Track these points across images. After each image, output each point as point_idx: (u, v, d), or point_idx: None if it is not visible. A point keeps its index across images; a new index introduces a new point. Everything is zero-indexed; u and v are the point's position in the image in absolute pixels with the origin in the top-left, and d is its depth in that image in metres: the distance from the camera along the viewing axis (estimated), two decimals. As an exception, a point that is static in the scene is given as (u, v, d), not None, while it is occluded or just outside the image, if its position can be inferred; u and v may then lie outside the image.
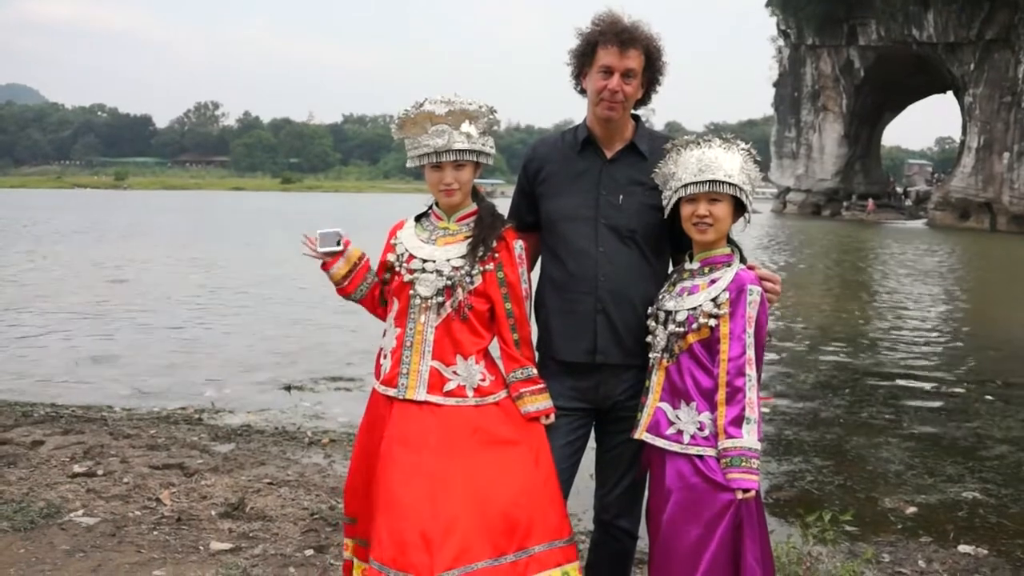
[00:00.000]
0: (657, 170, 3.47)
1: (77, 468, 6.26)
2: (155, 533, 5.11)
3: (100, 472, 6.20)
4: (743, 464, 3.19)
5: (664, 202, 3.45)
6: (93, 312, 14.86)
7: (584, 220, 3.53)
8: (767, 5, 74.65)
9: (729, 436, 3.21)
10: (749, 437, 3.21)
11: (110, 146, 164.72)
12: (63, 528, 5.10)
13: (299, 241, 3.61)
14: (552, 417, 3.47)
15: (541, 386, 3.48)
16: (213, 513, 5.48)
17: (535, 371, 3.50)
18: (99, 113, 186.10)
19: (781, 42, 77.03)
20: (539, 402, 3.46)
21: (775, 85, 78.42)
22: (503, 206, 3.65)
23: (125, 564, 4.66)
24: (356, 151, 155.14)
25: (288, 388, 9.64)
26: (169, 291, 17.67)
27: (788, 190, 72.57)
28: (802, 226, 52.57)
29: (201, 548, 4.93)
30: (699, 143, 3.42)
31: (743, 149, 3.42)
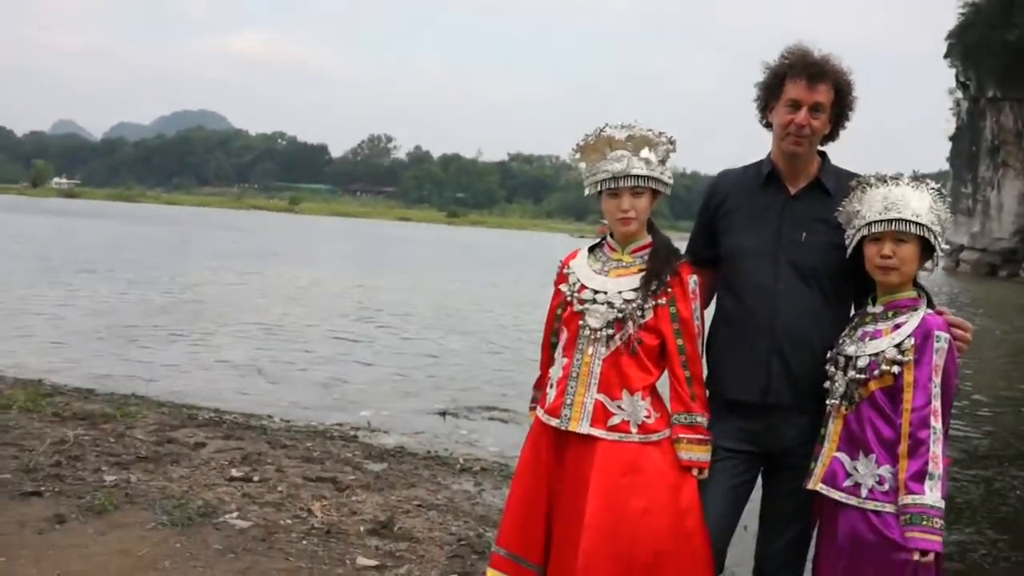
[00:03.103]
0: (842, 208, 3.31)
1: (235, 472, 6.37)
2: (304, 543, 5.13)
3: (256, 478, 6.29)
4: (924, 523, 2.97)
5: (847, 241, 3.28)
6: (268, 328, 15.39)
7: (765, 256, 3.40)
8: (946, 56, 72.65)
9: (910, 492, 3.00)
10: (932, 494, 2.99)
11: (287, 171, 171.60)
12: (217, 528, 5.17)
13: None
14: (706, 473, 3.32)
15: (703, 437, 3.33)
16: (361, 529, 5.47)
17: (701, 419, 3.34)
18: (279, 140, 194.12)
19: (959, 94, 74.95)
20: (695, 452, 3.31)
21: (951, 139, 76.34)
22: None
23: (273, 570, 4.69)
24: (521, 189, 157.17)
25: (443, 414, 9.67)
26: (338, 313, 18.13)
27: (962, 248, 70.01)
28: (977, 286, 50.63)
29: (347, 562, 4.92)
30: (886, 181, 3.25)
31: (932, 188, 3.23)
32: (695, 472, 3.30)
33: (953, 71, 74.10)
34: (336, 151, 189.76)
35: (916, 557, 2.96)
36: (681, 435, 3.31)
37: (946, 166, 79.60)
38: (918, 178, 3.27)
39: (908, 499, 3.00)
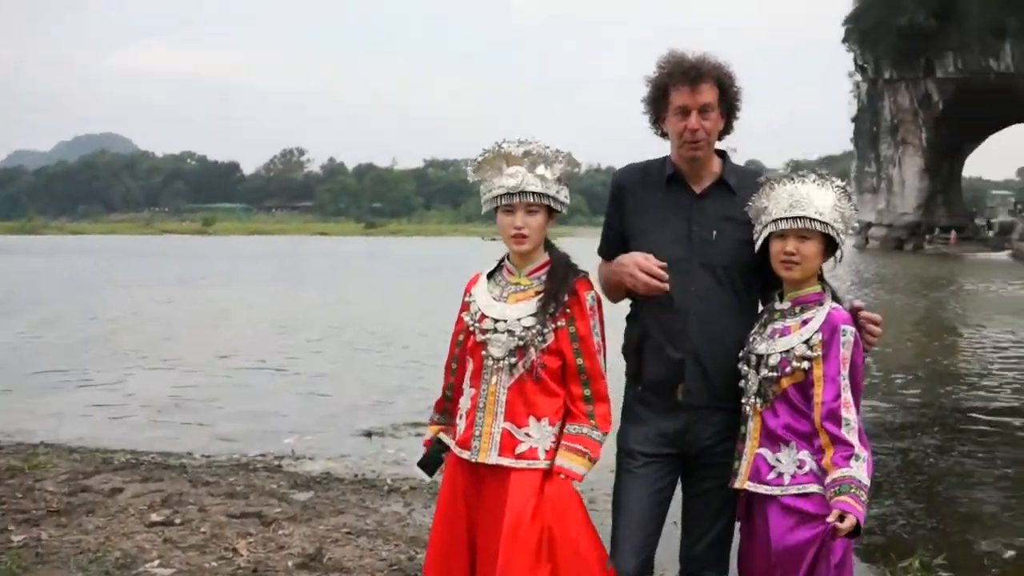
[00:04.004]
0: (751, 204, 3.37)
1: (155, 517, 6.23)
2: (231, 585, 5.04)
3: (178, 521, 6.15)
4: (852, 491, 3.03)
5: (755, 236, 3.34)
6: (183, 359, 15.01)
7: (677, 257, 3.40)
8: (843, 40, 74.41)
9: (837, 467, 3.07)
10: (859, 471, 3.06)
11: (198, 192, 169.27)
12: (138, 580, 5.04)
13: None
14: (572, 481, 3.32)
15: (584, 449, 3.31)
16: (290, 564, 5.38)
17: (589, 431, 3.34)
18: (188, 160, 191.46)
19: (859, 77, 76.76)
20: (570, 460, 3.29)
21: (854, 120, 78.18)
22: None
23: (199, 619, 4.59)
24: (438, 195, 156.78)
25: (368, 434, 9.58)
26: (255, 337, 17.89)
27: (870, 225, 71.66)
28: (885, 261, 51.82)
29: (277, 601, 4.84)
30: (792, 178, 3.34)
31: (838, 186, 3.32)
32: (560, 476, 3.27)
33: (851, 55, 75.80)
34: (248, 168, 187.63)
35: (833, 518, 2.98)
36: (563, 442, 3.32)
37: (851, 147, 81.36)
38: (823, 176, 3.34)
39: (836, 473, 3.07)
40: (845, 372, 3.15)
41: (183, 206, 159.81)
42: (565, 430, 3.34)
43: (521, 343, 3.29)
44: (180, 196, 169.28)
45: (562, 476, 3.27)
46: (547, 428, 3.31)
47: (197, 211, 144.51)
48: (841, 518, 2.98)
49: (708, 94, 3.35)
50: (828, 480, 3.08)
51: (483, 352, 3.36)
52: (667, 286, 3.28)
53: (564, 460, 3.29)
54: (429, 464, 3.56)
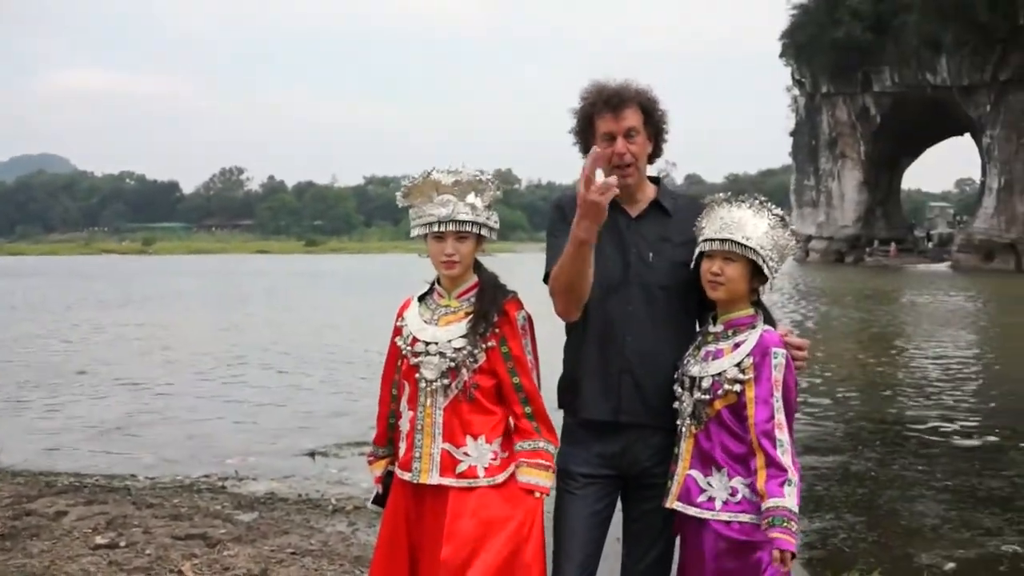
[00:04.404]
0: (696, 224, 3.44)
1: (100, 539, 6.19)
2: (176, 607, 5.04)
3: (123, 543, 6.12)
4: (784, 524, 3.09)
5: (694, 256, 3.42)
6: (125, 381, 14.85)
7: (615, 278, 3.47)
8: (781, 55, 75.30)
9: (771, 496, 3.12)
10: (790, 499, 3.12)
11: (138, 212, 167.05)
12: (84, 604, 5.04)
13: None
14: (543, 496, 3.37)
15: (545, 463, 3.38)
16: (236, 585, 5.41)
17: (545, 445, 3.40)
18: (127, 180, 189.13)
19: (796, 91, 77.69)
20: (535, 476, 3.35)
21: (792, 134, 79.08)
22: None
23: (146, 641, 4.60)
24: (379, 212, 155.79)
25: (312, 454, 9.56)
26: (192, 357, 17.70)
27: (810, 238, 72.54)
28: (825, 274, 52.40)
29: (223, 622, 4.86)
30: (731, 202, 3.40)
31: (775, 214, 3.38)
32: (536, 495, 3.34)
33: (789, 69, 76.70)
34: (188, 187, 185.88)
35: (776, 556, 3.06)
36: (523, 459, 3.37)
37: (790, 160, 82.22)
38: (763, 202, 3.40)
39: (770, 502, 3.12)
40: (778, 394, 3.21)
41: (123, 226, 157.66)
42: (519, 447, 3.39)
43: (453, 364, 3.35)
44: (120, 216, 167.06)
45: (537, 495, 3.33)
46: (485, 446, 3.36)
47: (137, 230, 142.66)
48: (779, 555, 3.06)
49: (632, 119, 3.43)
50: (764, 507, 3.14)
51: (416, 375, 3.41)
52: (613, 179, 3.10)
53: (531, 477, 3.34)
54: (385, 500, 3.57)
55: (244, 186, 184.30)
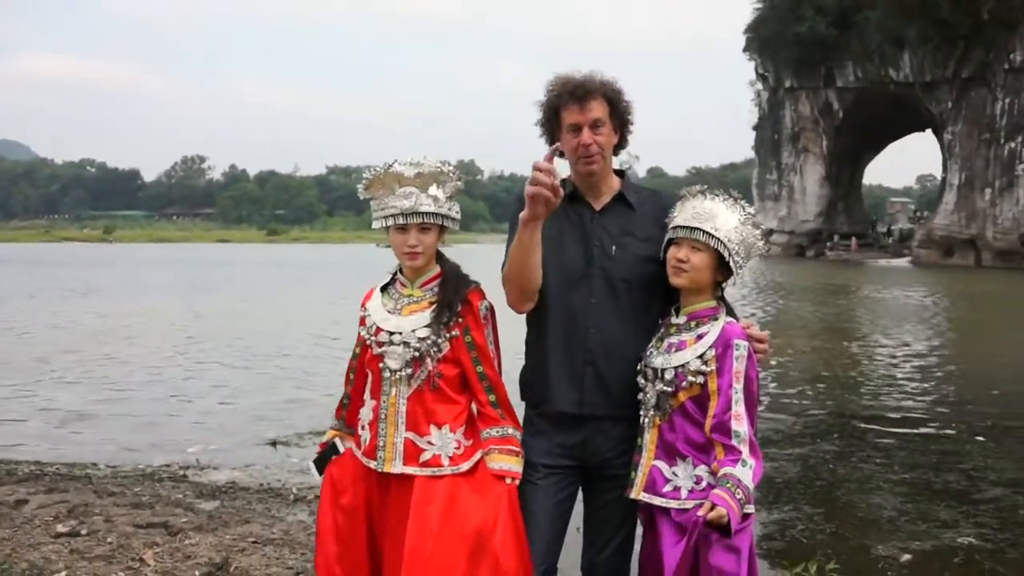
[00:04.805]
0: (668, 215, 3.48)
1: (61, 528, 6.17)
2: (138, 595, 5.03)
3: (84, 532, 6.10)
4: (727, 486, 3.14)
5: (663, 245, 3.46)
6: (86, 369, 14.75)
7: (577, 270, 3.51)
8: (745, 50, 75.63)
9: (723, 466, 3.19)
10: (742, 472, 3.17)
11: (99, 199, 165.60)
12: (45, 592, 5.01)
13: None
14: (515, 482, 3.42)
15: (514, 448, 3.44)
16: (197, 574, 5.38)
17: (512, 431, 3.46)
18: (88, 168, 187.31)
19: (760, 85, 78.09)
20: (506, 461, 3.41)
21: (755, 128, 79.44)
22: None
23: (107, 628, 4.59)
24: (341, 202, 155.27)
25: (274, 443, 9.53)
26: (153, 345, 17.60)
27: (771, 232, 72.94)
28: (786, 268, 52.59)
29: (185, 610, 4.85)
30: (705, 195, 3.46)
31: (747, 213, 3.44)
32: (508, 480, 3.38)
33: (753, 63, 77.08)
34: (149, 175, 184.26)
35: (704, 510, 3.11)
36: (492, 446, 3.42)
37: (752, 154, 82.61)
38: (736, 199, 3.47)
39: (721, 471, 3.18)
40: (738, 385, 3.26)
41: (83, 213, 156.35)
42: (487, 434, 3.43)
43: (417, 354, 3.39)
44: (80, 203, 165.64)
45: (509, 480, 3.38)
46: (449, 435, 3.40)
47: (98, 218, 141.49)
48: (711, 508, 3.11)
49: (598, 110, 3.46)
50: (717, 476, 3.20)
51: (380, 364, 3.44)
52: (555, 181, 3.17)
53: (503, 463, 3.39)
54: (321, 462, 3.63)
55: (206, 174, 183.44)
